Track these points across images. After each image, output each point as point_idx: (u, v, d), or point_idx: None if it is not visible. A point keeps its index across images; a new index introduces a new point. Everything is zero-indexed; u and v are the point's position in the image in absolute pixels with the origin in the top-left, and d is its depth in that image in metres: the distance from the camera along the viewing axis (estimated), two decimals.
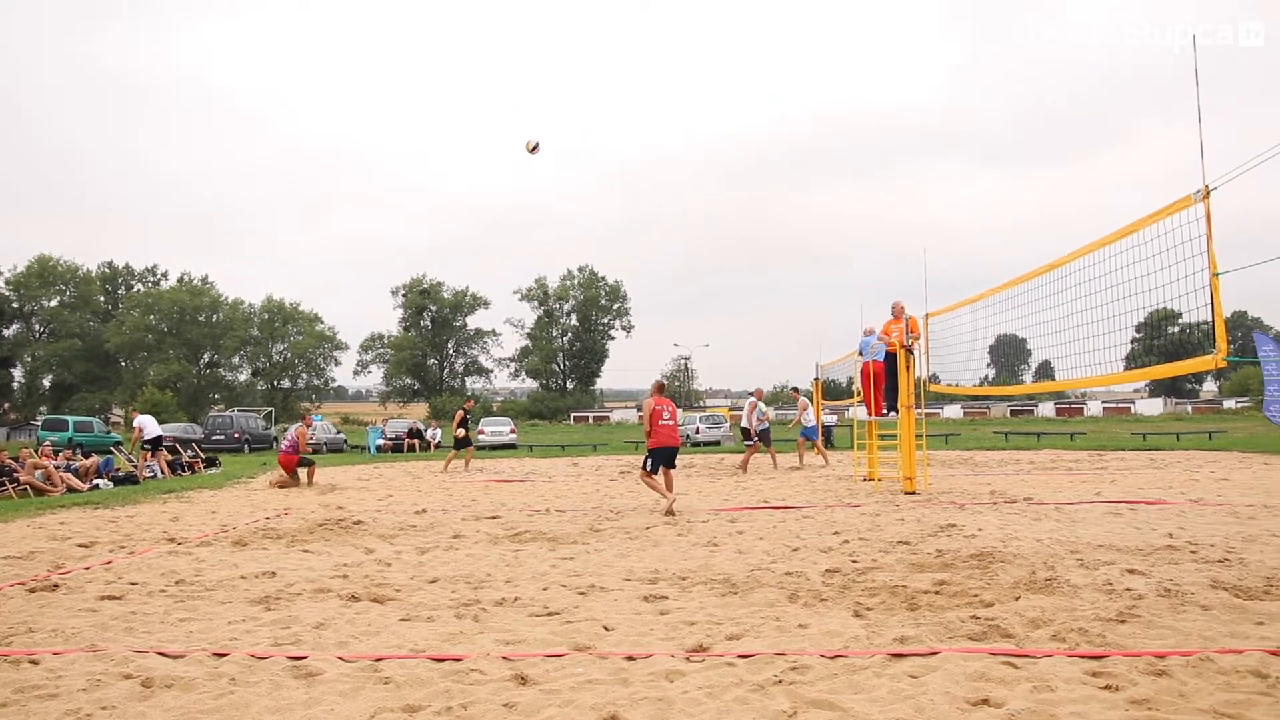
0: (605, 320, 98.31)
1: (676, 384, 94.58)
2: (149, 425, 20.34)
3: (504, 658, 4.85)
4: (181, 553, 8.83)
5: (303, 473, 17.14)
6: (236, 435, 36.84)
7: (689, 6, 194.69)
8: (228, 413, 44.65)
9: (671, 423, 12.22)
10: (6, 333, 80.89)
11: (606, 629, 5.50)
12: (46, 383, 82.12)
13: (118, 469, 18.95)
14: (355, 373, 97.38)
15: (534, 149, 12.77)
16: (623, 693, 4.27)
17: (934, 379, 15.36)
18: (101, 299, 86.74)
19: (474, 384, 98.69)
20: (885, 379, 14.78)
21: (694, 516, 11.16)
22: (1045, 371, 79.39)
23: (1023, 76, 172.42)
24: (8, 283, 79.80)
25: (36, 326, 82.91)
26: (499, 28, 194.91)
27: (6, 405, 78.90)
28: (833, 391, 30.92)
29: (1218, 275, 5.21)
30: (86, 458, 19.15)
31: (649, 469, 12.11)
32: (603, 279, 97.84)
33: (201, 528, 10.85)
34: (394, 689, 4.39)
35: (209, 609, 6.23)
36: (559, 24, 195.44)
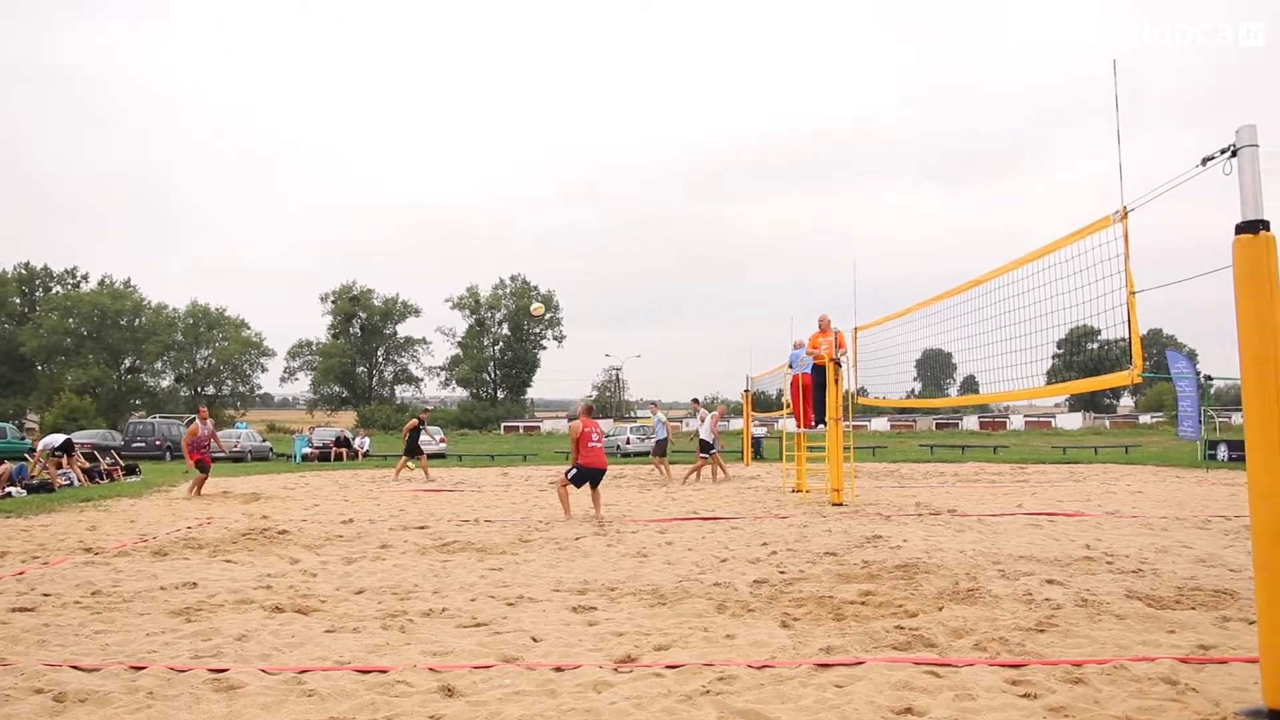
0: (537, 330, 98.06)
1: (608, 395, 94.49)
2: (53, 440, 20.00)
3: (431, 669, 4.81)
4: (98, 563, 8.59)
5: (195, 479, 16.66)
6: (158, 443, 35.90)
7: (625, 19, 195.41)
8: (149, 419, 43.58)
9: (599, 445, 12.28)
10: None
11: (535, 640, 5.48)
12: None
13: (31, 476, 18.38)
14: (282, 380, 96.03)
15: (538, 312, 13.09)
16: (550, 704, 4.26)
17: (862, 392, 15.56)
18: (17, 301, 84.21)
19: (404, 392, 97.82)
20: (813, 391, 14.94)
21: (623, 527, 11.17)
22: (970, 385, 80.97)
23: (959, 95, 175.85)
24: None
25: None
26: (432, 32, 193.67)
27: None
28: (763, 403, 31.12)
29: (1134, 294, 5.36)
30: None
31: (571, 479, 12.17)
32: (535, 288, 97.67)
33: (120, 537, 10.58)
34: (318, 701, 4.32)
35: (126, 621, 6.08)
36: (494, 29, 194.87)
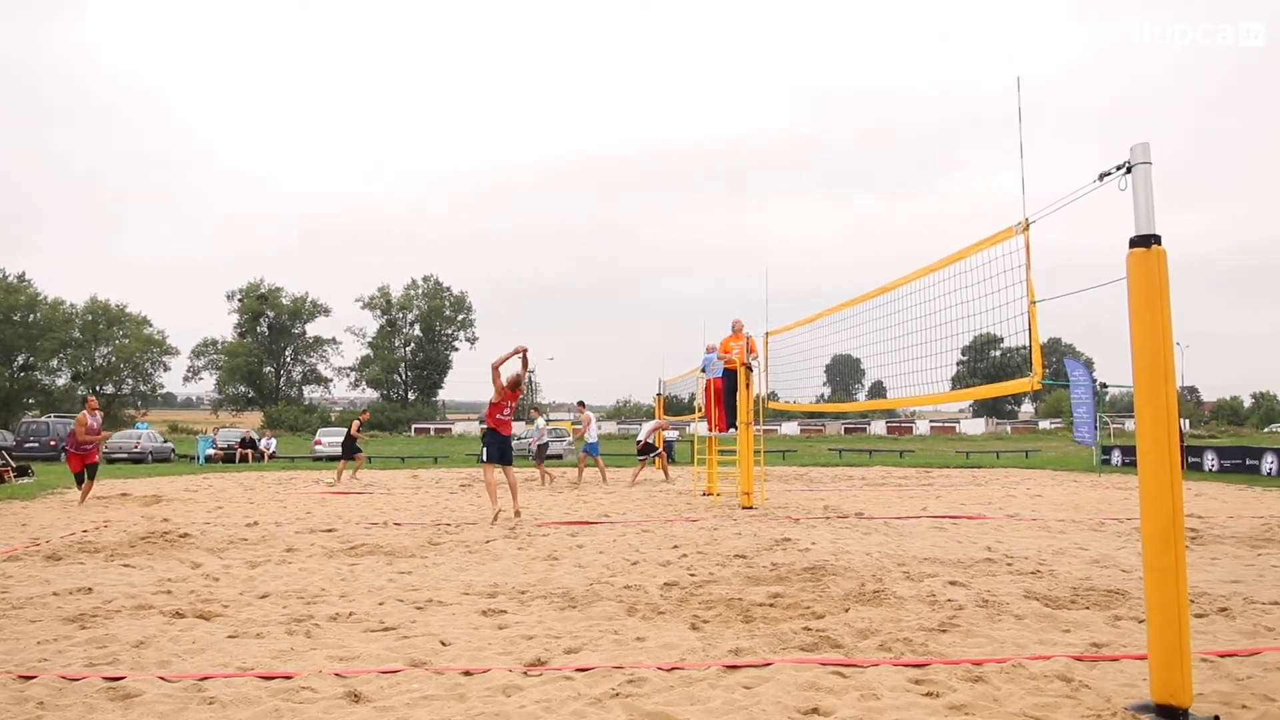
0: (449, 331, 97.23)
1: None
2: None
3: (336, 675, 4.72)
4: None
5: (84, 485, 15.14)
6: (52, 443, 34.57)
7: (543, 22, 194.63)
8: (43, 419, 41.98)
9: (508, 419, 12.62)
10: None
11: (444, 644, 5.43)
12: None
13: None
14: (186, 379, 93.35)
15: (525, 364, 13.09)
16: (459, 708, 4.22)
17: (773, 396, 15.75)
18: None
19: (312, 393, 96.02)
20: (725, 395, 15.07)
21: (534, 530, 11.12)
22: (878, 390, 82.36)
23: (870, 104, 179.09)
24: None
25: None
26: (344, 33, 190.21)
27: None
28: (675, 407, 31.32)
29: (1035, 303, 5.52)
30: None
31: (487, 457, 12.48)
32: (448, 289, 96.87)
33: (10, 541, 10.18)
34: (219, 709, 4.22)
35: (16, 628, 5.84)
36: (406, 27, 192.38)
